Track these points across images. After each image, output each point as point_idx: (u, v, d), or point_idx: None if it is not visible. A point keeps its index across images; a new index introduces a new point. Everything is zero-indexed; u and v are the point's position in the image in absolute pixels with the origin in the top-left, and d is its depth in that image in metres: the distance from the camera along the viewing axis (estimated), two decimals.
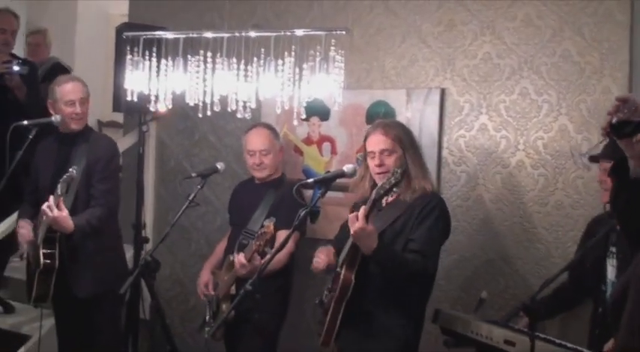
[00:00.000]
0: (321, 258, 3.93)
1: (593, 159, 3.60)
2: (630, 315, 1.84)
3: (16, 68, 5.46)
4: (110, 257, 4.68)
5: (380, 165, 3.72)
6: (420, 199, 3.68)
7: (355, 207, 3.87)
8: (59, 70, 6.46)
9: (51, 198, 4.25)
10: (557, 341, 3.49)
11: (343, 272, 3.59)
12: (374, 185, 3.76)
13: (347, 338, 3.66)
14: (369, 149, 3.79)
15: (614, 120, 2.26)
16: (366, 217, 3.43)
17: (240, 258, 4.19)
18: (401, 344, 3.68)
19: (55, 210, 4.22)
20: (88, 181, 4.53)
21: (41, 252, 4.44)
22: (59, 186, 4.20)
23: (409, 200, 3.68)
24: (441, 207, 3.72)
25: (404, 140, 3.77)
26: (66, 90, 4.59)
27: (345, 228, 4.02)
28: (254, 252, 4.06)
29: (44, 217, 4.38)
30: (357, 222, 3.42)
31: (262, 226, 4.02)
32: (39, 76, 6.15)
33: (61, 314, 4.86)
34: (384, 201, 3.75)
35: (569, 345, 3.23)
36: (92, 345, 4.70)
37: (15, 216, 5.14)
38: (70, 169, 4.15)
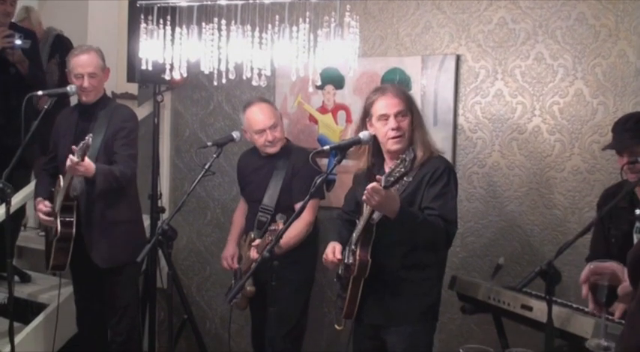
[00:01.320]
0: (329, 255, 3.82)
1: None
2: None
3: (18, 42, 5.40)
4: (130, 228, 4.72)
5: (397, 129, 3.64)
6: (427, 164, 3.65)
7: (356, 179, 3.86)
8: (63, 42, 6.47)
9: (70, 156, 4.24)
10: (575, 305, 3.51)
11: (358, 252, 3.56)
12: (376, 152, 3.75)
13: (370, 308, 3.66)
14: (380, 112, 3.68)
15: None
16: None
17: (253, 253, 4.30)
18: (425, 304, 3.68)
19: (75, 158, 4.20)
20: (107, 150, 4.55)
21: (58, 220, 4.48)
22: (75, 153, 4.19)
23: (417, 165, 3.56)
24: (449, 170, 3.68)
25: (412, 103, 3.75)
26: (76, 62, 4.61)
27: (350, 200, 4.02)
28: (266, 246, 4.06)
29: (60, 186, 4.40)
30: (376, 195, 3.33)
31: (274, 221, 4.00)
32: (41, 51, 6.17)
33: (80, 283, 4.91)
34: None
35: (586, 310, 3.23)
36: (111, 314, 4.76)
37: (30, 187, 5.18)
38: (87, 137, 4.15)
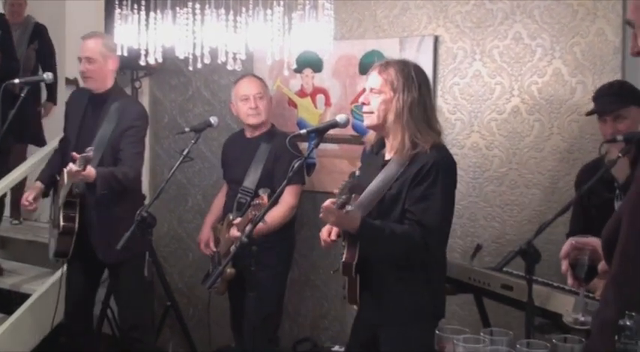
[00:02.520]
0: (323, 233, 3.62)
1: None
2: (623, 246, 1.84)
3: None
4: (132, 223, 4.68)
5: (365, 104, 3.45)
6: (416, 159, 3.33)
7: (352, 176, 3.70)
8: (41, 30, 6.56)
9: (70, 165, 4.23)
10: (555, 283, 3.51)
11: (345, 252, 3.42)
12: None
13: (366, 302, 3.51)
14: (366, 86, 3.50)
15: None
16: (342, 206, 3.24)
17: (234, 232, 4.21)
18: (418, 303, 3.42)
19: (75, 167, 4.19)
20: (114, 146, 4.54)
21: (61, 214, 4.51)
22: (77, 161, 4.18)
23: (405, 157, 3.34)
24: (438, 166, 3.31)
25: (396, 83, 3.37)
26: (80, 46, 4.63)
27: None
28: (248, 223, 4.04)
29: (65, 180, 4.40)
30: (331, 215, 3.26)
31: (257, 195, 3.98)
32: (21, 39, 6.18)
33: (75, 276, 4.86)
34: (386, 157, 3.49)
35: (566, 288, 3.23)
36: (120, 306, 4.84)
37: (9, 177, 5.18)
38: (88, 149, 4.16)
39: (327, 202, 3.25)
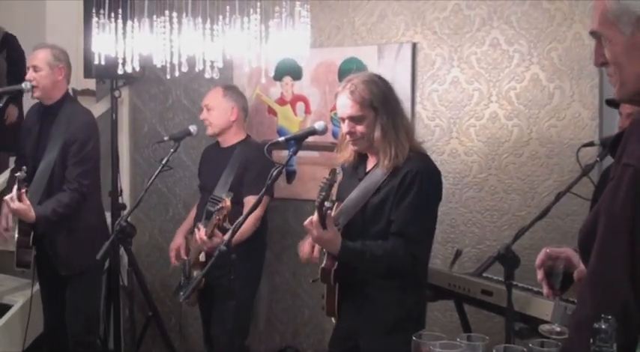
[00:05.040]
0: (305, 247, 3.61)
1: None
2: (599, 245, 1.85)
3: None
4: (92, 234, 4.65)
5: (350, 133, 3.40)
6: (399, 168, 3.33)
7: (332, 173, 3.68)
8: (10, 39, 6.59)
9: (14, 189, 4.24)
10: (535, 288, 3.52)
11: (325, 259, 3.40)
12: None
13: (347, 311, 3.49)
14: (338, 113, 3.47)
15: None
16: (322, 221, 3.24)
17: (200, 235, 4.18)
18: (399, 312, 3.40)
19: (16, 202, 4.21)
20: (63, 162, 4.52)
21: (17, 228, 4.51)
22: (16, 182, 4.22)
23: (388, 167, 3.34)
24: (422, 175, 3.32)
25: (374, 101, 3.35)
26: (30, 56, 4.64)
27: None
28: (214, 227, 4.03)
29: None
30: (313, 231, 3.25)
31: (221, 199, 4.00)
32: None
33: (45, 287, 4.87)
34: (365, 169, 3.50)
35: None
36: (71, 318, 4.74)
37: None
38: (18, 173, 4.21)
39: (311, 218, 3.26)
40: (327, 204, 3.25)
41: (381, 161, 3.37)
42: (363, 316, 3.44)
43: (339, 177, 3.49)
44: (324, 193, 3.23)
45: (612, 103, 3.53)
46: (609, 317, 1.66)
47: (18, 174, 4.20)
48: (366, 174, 3.48)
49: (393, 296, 3.41)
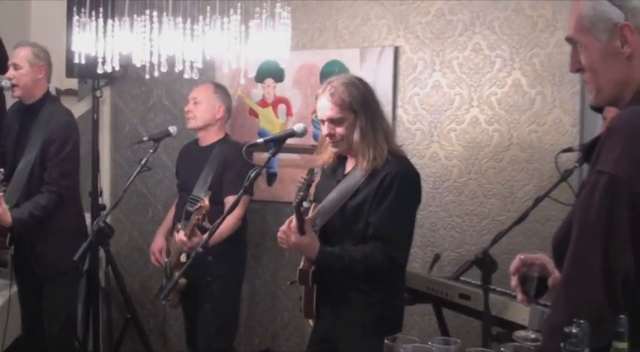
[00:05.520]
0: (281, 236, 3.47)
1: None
2: (573, 250, 1.85)
3: None
4: (70, 235, 4.60)
5: (330, 135, 3.40)
6: (378, 170, 3.32)
7: (310, 173, 3.66)
8: None
9: None
10: (513, 293, 3.51)
11: (303, 261, 3.41)
12: None
13: (324, 313, 3.48)
14: (318, 115, 3.47)
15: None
16: (300, 223, 3.25)
17: (180, 236, 4.16)
18: (376, 314, 3.38)
19: None
20: (43, 162, 4.48)
21: None
22: None
23: (367, 170, 3.34)
24: (401, 177, 3.31)
25: (353, 104, 3.35)
26: (12, 54, 4.60)
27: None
28: (194, 227, 4.01)
29: None
30: (291, 238, 3.26)
31: (200, 199, 3.98)
32: None
33: (23, 288, 4.82)
34: (346, 171, 3.49)
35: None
36: (49, 319, 4.70)
37: None
38: None
39: (286, 225, 3.26)
40: (305, 204, 3.26)
41: (360, 163, 3.37)
42: (341, 318, 3.43)
43: (317, 178, 3.48)
44: (302, 193, 3.24)
45: (597, 109, 3.53)
46: (581, 321, 1.66)
47: None
48: (345, 176, 3.48)
49: (371, 299, 3.39)
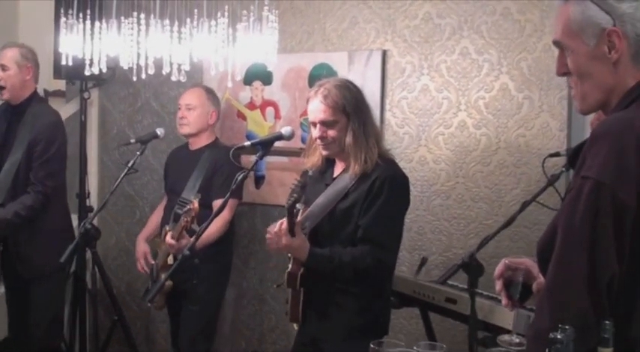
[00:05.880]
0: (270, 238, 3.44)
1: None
2: (557, 255, 1.86)
3: None
4: (56, 236, 4.59)
5: (322, 138, 3.39)
6: (367, 174, 3.33)
7: (303, 176, 3.67)
8: None
9: None
10: (499, 297, 3.51)
11: (291, 263, 3.39)
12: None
13: (310, 316, 3.46)
14: (309, 117, 3.45)
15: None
16: (291, 226, 3.24)
17: (168, 239, 4.14)
18: (363, 318, 3.38)
19: None
20: (28, 162, 4.46)
21: None
22: None
23: (356, 174, 3.34)
24: (390, 181, 3.32)
25: (347, 106, 3.36)
26: None
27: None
28: (182, 230, 4.01)
29: None
30: (282, 239, 3.25)
31: (189, 202, 3.98)
32: None
33: (10, 289, 4.80)
34: (334, 174, 3.50)
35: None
36: (35, 321, 4.68)
37: None
38: None
39: (277, 227, 3.26)
40: (298, 206, 3.26)
41: (351, 166, 3.37)
42: (327, 321, 3.43)
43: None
44: (295, 195, 3.23)
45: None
46: (566, 327, 1.66)
47: None
48: (334, 179, 3.48)
49: (358, 303, 3.40)
